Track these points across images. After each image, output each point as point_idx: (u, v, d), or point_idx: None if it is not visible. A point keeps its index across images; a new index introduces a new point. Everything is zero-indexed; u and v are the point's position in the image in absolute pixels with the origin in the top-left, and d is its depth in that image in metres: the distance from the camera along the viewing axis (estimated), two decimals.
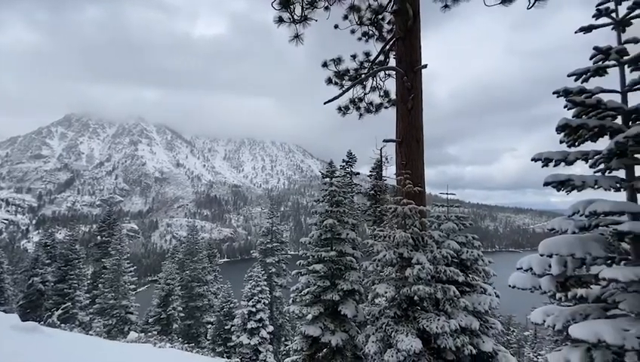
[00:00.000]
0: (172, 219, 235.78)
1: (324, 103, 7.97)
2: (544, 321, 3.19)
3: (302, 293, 8.47)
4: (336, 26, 9.07)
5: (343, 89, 9.02)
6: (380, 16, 9.47)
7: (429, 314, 6.56)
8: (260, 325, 18.41)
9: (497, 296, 7.83)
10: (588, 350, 2.73)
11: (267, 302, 19.53)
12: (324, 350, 7.93)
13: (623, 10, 2.96)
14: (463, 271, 7.63)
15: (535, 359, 24.70)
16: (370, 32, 9.80)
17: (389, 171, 17.60)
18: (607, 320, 2.59)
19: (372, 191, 17.82)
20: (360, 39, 9.81)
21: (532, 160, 3.33)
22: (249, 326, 18.20)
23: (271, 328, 19.10)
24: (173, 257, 31.67)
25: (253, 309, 18.42)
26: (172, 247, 38.02)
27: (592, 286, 3.08)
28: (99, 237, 30.08)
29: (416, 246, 6.94)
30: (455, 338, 6.45)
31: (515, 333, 33.20)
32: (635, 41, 2.84)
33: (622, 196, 3.03)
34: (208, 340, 24.41)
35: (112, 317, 23.01)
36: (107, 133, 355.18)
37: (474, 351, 6.64)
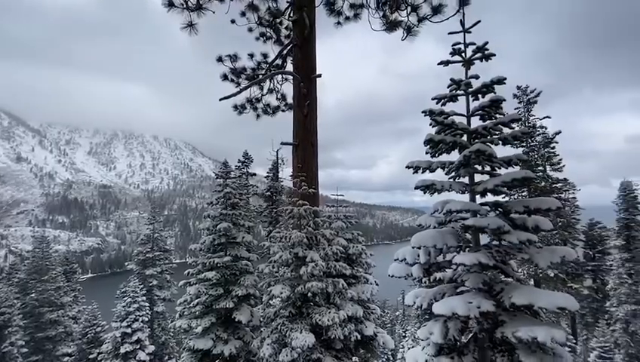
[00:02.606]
0: (9, 229, 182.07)
1: (220, 100, 7.55)
2: (414, 303, 3.80)
3: (191, 305, 7.78)
4: (232, 21, 8.73)
5: (240, 88, 8.75)
6: (278, 20, 9.56)
7: (322, 308, 6.96)
8: (137, 347, 16.04)
9: (377, 284, 8.92)
10: (445, 322, 3.37)
11: (147, 319, 17.18)
12: None
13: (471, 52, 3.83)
14: (349, 265, 8.40)
15: (404, 334, 29.32)
16: (268, 34, 9.79)
17: (285, 173, 17.93)
18: (458, 296, 3.27)
19: (268, 193, 17.82)
20: (258, 39, 9.69)
21: (406, 167, 3.93)
22: (122, 350, 15.62)
23: (152, 348, 16.87)
24: (11, 278, 24.55)
25: (129, 330, 15.92)
26: (9, 265, 29.35)
27: (447, 270, 3.83)
28: None
29: (310, 245, 7.27)
30: (343, 328, 7.03)
31: (388, 314, 38.59)
32: (476, 77, 3.68)
33: (466, 197, 3.88)
34: None
35: None
36: None
37: (358, 337, 7.37)
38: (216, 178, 9.47)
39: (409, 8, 6.68)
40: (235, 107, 9.75)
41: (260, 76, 9.45)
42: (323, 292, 7.06)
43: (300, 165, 7.75)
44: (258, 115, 9.85)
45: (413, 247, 3.57)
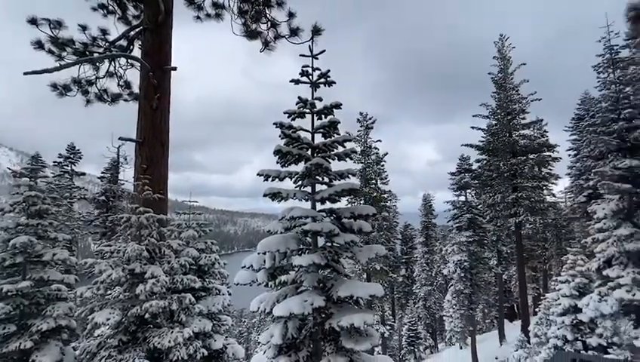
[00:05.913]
0: None
1: (25, 74, 5.74)
2: (259, 308, 3.88)
3: None
4: None
5: (63, 63, 6.98)
6: None
7: (162, 329, 6.19)
8: None
9: (229, 294, 8.67)
10: (285, 322, 3.59)
11: None
12: None
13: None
14: (200, 277, 7.86)
15: (258, 341, 29.64)
16: (111, 8, 8.27)
17: (127, 174, 15.41)
18: (296, 296, 3.55)
19: (103, 197, 14.93)
20: (96, 10, 8.04)
21: (258, 175, 4.04)
22: None
23: None
24: None
25: None
26: None
27: (290, 272, 4.11)
28: None
29: (152, 259, 6.40)
30: (188, 347, 6.44)
31: (245, 323, 38.11)
32: (319, 99, 4.17)
33: (309, 205, 4.29)
34: None
35: None
36: None
37: (206, 353, 6.92)
38: (15, 176, 7.13)
39: (269, 23, 6.97)
40: (55, 86, 7.72)
41: (96, 55, 7.82)
42: (165, 310, 6.29)
43: (144, 166, 6.77)
44: (89, 101, 8.09)
45: (259, 253, 3.67)
